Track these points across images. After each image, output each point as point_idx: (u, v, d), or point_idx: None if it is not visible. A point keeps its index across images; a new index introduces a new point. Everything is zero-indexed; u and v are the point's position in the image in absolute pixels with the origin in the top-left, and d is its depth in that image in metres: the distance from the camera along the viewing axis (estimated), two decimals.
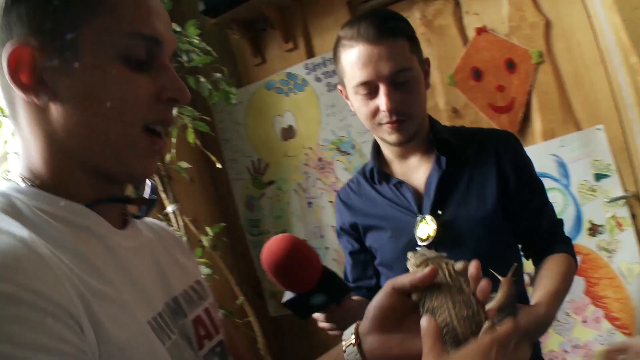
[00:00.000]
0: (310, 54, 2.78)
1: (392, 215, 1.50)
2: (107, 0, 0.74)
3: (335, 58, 1.47)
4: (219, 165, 2.51)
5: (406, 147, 1.48)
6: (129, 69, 0.75)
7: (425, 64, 1.47)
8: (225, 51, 2.83)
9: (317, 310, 1.14)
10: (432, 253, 0.87)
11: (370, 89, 1.38)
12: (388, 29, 1.36)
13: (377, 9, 1.49)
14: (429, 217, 1.44)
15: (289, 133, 2.82)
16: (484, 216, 1.43)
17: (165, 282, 0.87)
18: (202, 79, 2.31)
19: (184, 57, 2.29)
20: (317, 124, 2.73)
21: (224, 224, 2.53)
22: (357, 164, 2.63)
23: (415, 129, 1.43)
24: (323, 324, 1.24)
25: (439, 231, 1.42)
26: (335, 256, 2.75)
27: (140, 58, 0.76)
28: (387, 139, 1.44)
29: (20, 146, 0.80)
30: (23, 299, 0.58)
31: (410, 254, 0.88)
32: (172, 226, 2.53)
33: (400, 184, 1.50)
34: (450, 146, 1.47)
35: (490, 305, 1.27)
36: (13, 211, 0.71)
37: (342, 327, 1.14)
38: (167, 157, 2.45)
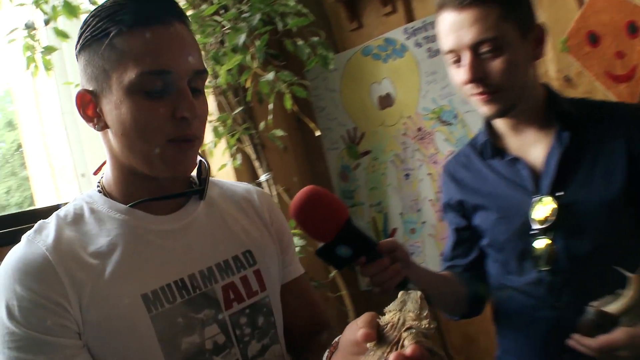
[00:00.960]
0: (410, 17, 2.61)
1: (504, 195, 1.40)
2: (124, 51, 0.97)
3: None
4: (317, 133, 2.43)
5: (518, 119, 1.38)
6: (147, 99, 0.98)
7: (536, 30, 1.35)
8: (320, 16, 2.71)
9: (347, 263, 1.17)
10: (412, 306, 0.85)
11: (456, 58, 1.31)
12: None
13: None
14: (547, 198, 1.32)
15: (386, 101, 2.70)
16: (610, 199, 1.29)
17: (203, 254, 1.12)
18: (300, 42, 2.21)
19: (278, 20, 2.21)
20: (417, 92, 2.59)
21: None
22: (459, 135, 2.49)
23: (511, 101, 1.32)
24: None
25: (558, 214, 1.29)
26: (432, 231, 2.63)
27: (155, 89, 0.98)
28: (480, 111, 1.35)
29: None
30: (26, 295, 0.94)
31: (402, 292, 0.88)
32: None
33: (515, 160, 1.39)
34: (572, 120, 1.33)
35: (617, 304, 1.15)
36: (75, 215, 1.08)
37: (380, 284, 1.19)
38: (261, 125, 2.39)
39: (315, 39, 2.25)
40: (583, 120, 1.34)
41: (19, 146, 2.57)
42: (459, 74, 1.32)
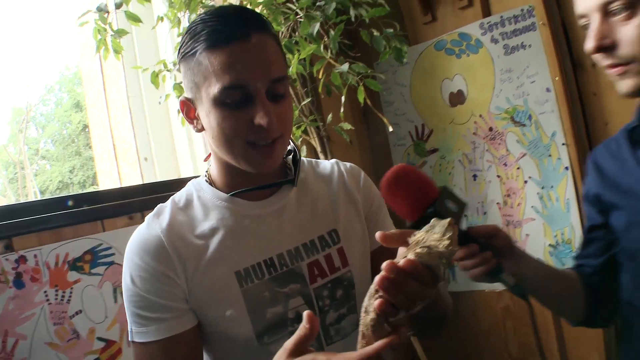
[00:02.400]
0: (486, 12, 2.51)
1: None
2: (207, 68, 1.13)
3: None
4: (390, 129, 2.34)
5: None
6: (229, 109, 1.14)
7: None
8: (393, 8, 2.62)
9: None
10: (439, 230, 0.87)
11: (587, 23, 1.11)
12: None
13: None
14: None
15: (457, 98, 2.60)
16: None
17: (292, 236, 1.29)
18: (376, 33, 2.13)
19: (352, 10, 2.13)
20: (490, 90, 2.49)
21: None
22: (533, 137, 2.38)
23: None
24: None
25: None
26: None
27: (234, 100, 1.13)
28: (617, 88, 1.12)
29: None
30: (144, 267, 1.18)
31: (434, 218, 0.90)
32: None
33: None
34: None
35: None
36: (185, 202, 1.30)
37: (467, 270, 1.15)
38: (329, 118, 2.33)
39: (390, 30, 2.17)
40: None
41: (85, 127, 2.59)
42: (586, 43, 1.11)
